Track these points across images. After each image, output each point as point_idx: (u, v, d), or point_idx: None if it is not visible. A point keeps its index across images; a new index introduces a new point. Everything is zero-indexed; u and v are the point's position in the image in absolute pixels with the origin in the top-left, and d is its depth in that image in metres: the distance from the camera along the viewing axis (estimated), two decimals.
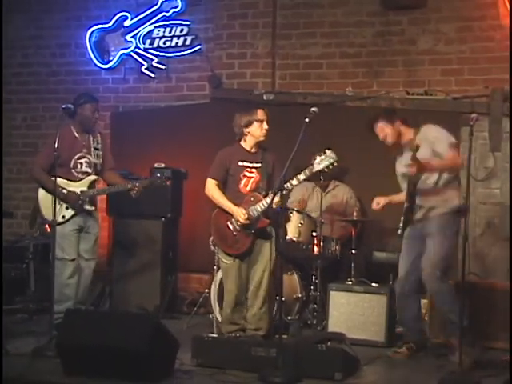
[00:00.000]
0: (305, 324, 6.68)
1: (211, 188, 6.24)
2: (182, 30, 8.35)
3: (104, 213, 7.96)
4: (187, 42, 8.34)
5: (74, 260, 6.31)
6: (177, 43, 8.37)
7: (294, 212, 6.88)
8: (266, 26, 8.10)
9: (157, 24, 8.44)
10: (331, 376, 5.08)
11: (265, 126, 6.16)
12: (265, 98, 7.86)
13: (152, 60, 8.48)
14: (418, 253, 5.81)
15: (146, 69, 8.50)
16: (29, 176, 6.80)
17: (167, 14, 8.39)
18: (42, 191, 6.34)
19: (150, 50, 8.48)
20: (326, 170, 5.97)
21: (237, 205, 6.12)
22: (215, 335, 6.18)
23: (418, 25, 7.64)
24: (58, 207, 6.04)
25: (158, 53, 8.46)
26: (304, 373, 5.10)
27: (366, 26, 7.82)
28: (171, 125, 8.26)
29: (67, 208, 6.27)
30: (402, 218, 5.77)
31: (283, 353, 5.06)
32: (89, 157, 6.43)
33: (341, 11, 7.90)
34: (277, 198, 5.69)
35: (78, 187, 6.33)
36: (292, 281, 6.72)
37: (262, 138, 6.20)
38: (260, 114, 6.17)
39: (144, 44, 8.49)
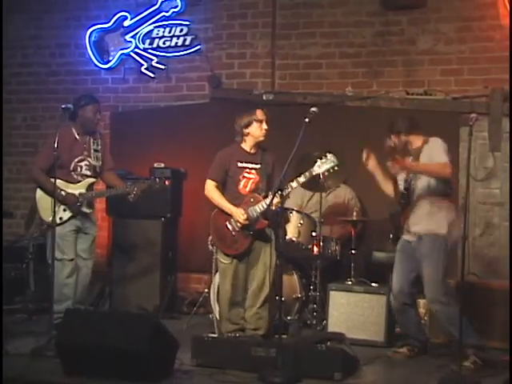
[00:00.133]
0: (304, 324, 6.68)
1: (210, 189, 6.24)
2: (181, 30, 8.35)
3: (104, 213, 7.98)
4: (187, 42, 8.33)
5: (72, 260, 6.30)
6: (176, 43, 8.37)
7: (294, 212, 6.88)
8: (266, 25, 8.10)
9: (156, 24, 8.44)
10: (331, 376, 5.08)
11: (264, 126, 6.17)
12: (264, 98, 7.86)
13: (152, 60, 8.48)
14: (412, 268, 5.80)
15: (145, 69, 8.49)
16: (28, 176, 6.79)
17: (167, 14, 8.39)
18: (40, 192, 6.33)
19: (149, 50, 8.48)
20: (326, 173, 5.98)
21: (236, 206, 6.12)
22: (215, 335, 6.18)
23: (418, 25, 7.64)
24: (55, 208, 6.04)
25: (157, 53, 8.46)
26: (304, 373, 5.11)
27: (365, 26, 7.82)
28: (171, 125, 8.26)
29: (65, 210, 6.26)
30: (392, 226, 5.81)
31: (283, 353, 5.06)
32: (89, 159, 6.42)
33: (340, 11, 7.90)
34: (276, 199, 5.69)
35: (76, 189, 6.32)
36: (292, 281, 6.72)
37: (261, 138, 6.21)
38: (259, 114, 6.17)
39: (144, 44, 8.49)
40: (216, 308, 6.67)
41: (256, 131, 6.18)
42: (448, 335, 5.85)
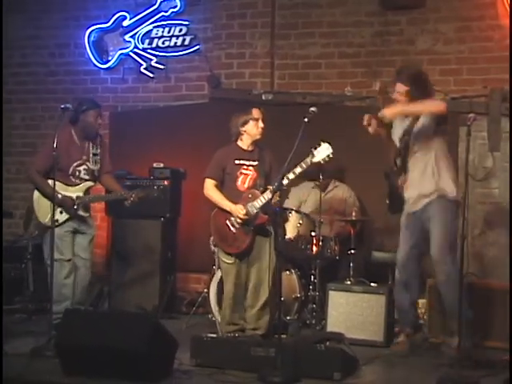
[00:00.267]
0: (304, 324, 6.68)
1: (209, 188, 6.26)
2: (180, 30, 8.35)
3: (103, 213, 7.98)
4: (186, 42, 8.34)
5: (69, 260, 6.29)
6: (176, 43, 8.37)
7: (293, 212, 6.89)
8: (265, 25, 8.10)
9: (156, 24, 8.44)
10: (330, 376, 5.07)
11: (260, 124, 6.20)
12: (264, 97, 7.87)
13: (151, 60, 8.48)
14: (418, 240, 5.84)
15: (144, 69, 8.49)
16: (26, 177, 6.78)
17: (166, 14, 8.39)
18: (37, 193, 6.33)
19: (148, 50, 8.48)
20: (322, 162, 6.00)
21: (235, 203, 6.14)
22: (214, 335, 6.18)
23: (417, 25, 7.64)
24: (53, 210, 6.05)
25: (156, 53, 8.46)
26: (303, 373, 5.10)
27: (364, 26, 7.82)
28: (170, 125, 8.26)
29: (61, 212, 6.23)
30: (389, 193, 5.84)
31: (282, 353, 5.06)
32: (88, 164, 6.40)
33: (339, 11, 7.90)
34: (271, 189, 5.81)
35: (73, 192, 6.31)
36: (291, 281, 6.71)
37: (258, 137, 6.23)
38: (255, 112, 6.21)
39: (143, 44, 8.49)
40: (215, 308, 6.67)
41: (252, 129, 6.21)
42: (448, 322, 5.84)
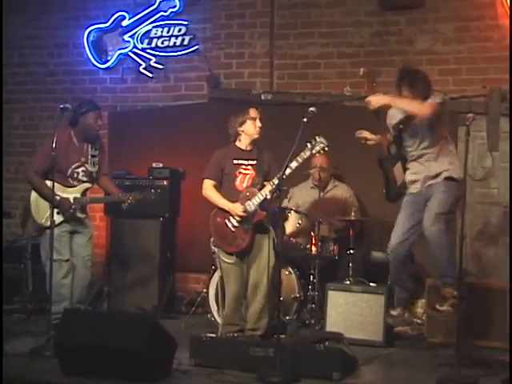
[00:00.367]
0: (303, 324, 6.68)
1: (208, 188, 6.26)
2: (179, 30, 8.35)
3: (102, 213, 7.97)
4: (185, 42, 8.33)
5: (67, 261, 6.28)
6: (175, 43, 8.37)
7: (292, 212, 6.90)
8: (264, 25, 8.10)
9: (155, 24, 8.43)
10: (329, 376, 5.08)
11: (258, 123, 6.20)
12: (263, 97, 7.87)
13: (150, 60, 8.47)
14: (416, 223, 5.85)
15: (143, 69, 8.49)
16: (24, 177, 6.77)
17: (165, 14, 8.39)
18: (34, 194, 6.31)
19: (147, 50, 8.48)
20: (317, 155, 6.01)
21: (233, 202, 6.14)
22: (213, 335, 6.18)
23: (416, 25, 7.64)
24: (48, 211, 6.04)
25: (155, 52, 8.46)
26: (302, 372, 5.11)
27: (363, 26, 7.82)
28: (169, 125, 8.26)
29: (58, 213, 6.19)
30: (385, 182, 5.86)
31: (281, 353, 5.07)
32: (86, 165, 6.38)
33: (338, 11, 7.90)
34: (271, 187, 5.91)
35: (71, 193, 6.30)
36: (290, 280, 6.72)
37: (256, 136, 6.23)
38: (252, 112, 6.22)
39: (142, 44, 8.49)
40: (214, 308, 6.67)
41: (250, 129, 6.21)
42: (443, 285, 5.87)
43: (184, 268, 8.03)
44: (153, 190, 6.63)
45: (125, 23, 8.52)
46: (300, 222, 6.86)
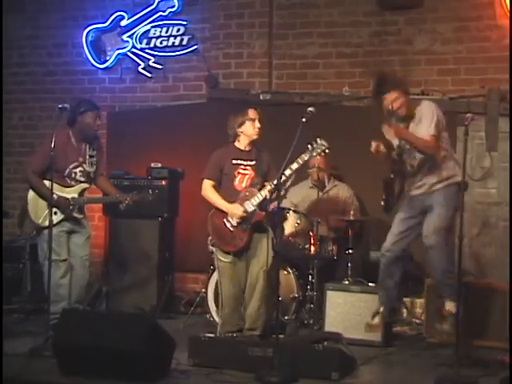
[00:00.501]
0: (301, 324, 6.68)
1: (207, 188, 6.26)
2: (178, 30, 8.35)
3: (101, 213, 7.97)
4: (184, 42, 8.34)
5: (65, 261, 6.28)
6: (173, 43, 8.37)
7: (291, 212, 6.90)
8: (263, 25, 8.10)
9: (153, 24, 8.44)
10: (328, 376, 5.08)
11: (257, 124, 6.20)
12: (261, 97, 7.87)
13: (149, 60, 8.47)
14: (412, 225, 5.86)
15: (142, 68, 8.49)
16: (22, 177, 6.77)
17: (164, 14, 8.39)
18: (32, 193, 6.31)
19: (146, 50, 8.48)
20: (318, 156, 6.01)
21: (232, 202, 6.14)
22: (212, 335, 6.18)
23: (415, 25, 7.65)
24: (46, 211, 6.04)
25: (154, 52, 8.46)
26: (301, 372, 5.10)
27: (362, 26, 7.82)
28: (168, 125, 8.25)
29: (55, 213, 6.19)
30: (384, 195, 5.84)
31: (280, 353, 5.06)
32: (84, 165, 6.38)
33: (337, 11, 7.90)
34: (270, 187, 5.92)
35: (69, 193, 6.29)
36: (289, 280, 6.71)
37: (255, 137, 6.23)
38: (251, 113, 6.21)
39: (141, 44, 8.49)
40: (213, 308, 6.67)
41: (249, 130, 6.21)
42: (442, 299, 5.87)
43: (183, 268, 8.03)
44: (150, 191, 6.62)
45: (123, 23, 8.52)
46: (299, 221, 6.86)
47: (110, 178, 7.23)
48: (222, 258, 6.23)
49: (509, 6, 7.18)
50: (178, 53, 8.38)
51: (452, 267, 5.60)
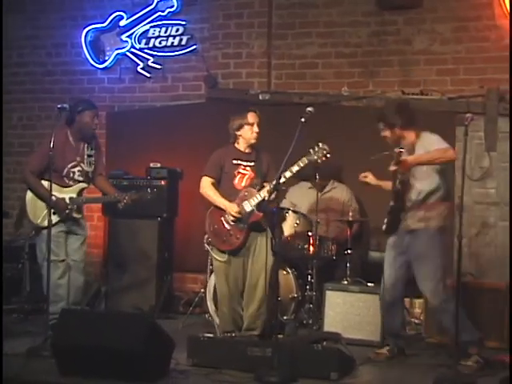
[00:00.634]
0: (300, 324, 6.67)
1: (206, 186, 6.27)
2: (177, 30, 8.35)
3: (100, 213, 7.97)
4: (183, 42, 8.34)
5: (63, 261, 6.28)
6: (172, 43, 8.37)
7: (290, 212, 6.90)
8: (262, 25, 8.10)
9: (152, 24, 8.44)
10: (327, 376, 5.08)
11: (255, 128, 6.21)
12: (260, 97, 7.87)
13: (148, 60, 8.48)
14: (405, 261, 5.73)
15: (141, 68, 8.49)
16: (21, 177, 6.76)
17: (163, 14, 8.39)
18: (30, 194, 6.31)
19: (145, 50, 8.48)
20: (319, 161, 6.00)
21: (231, 201, 6.15)
22: (211, 335, 6.18)
23: (414, 25, 7.65)
24: (44, 211, 6.04)
25: (153, 52, 8.46)
26: (300, 372, 5.10)
27: (361, 26, 7.82)
28: (167, 125, 8.25)
29: (54, 213, 6.17)
30: (387, 218, 5.78)
31: (279, 352, 5.06)
32: (82, 165, 6.38)
33: (336, 11, 7.91)
34: (269, 188, 5.91)
35: (67, 193, 6.29)
36: (288, 280, 6.71)
37: (252, 141, 6.25)
38: (250, 117, 6.22)
39: (139, 44, 8.49)
40: (212, 308, 6.67)
41: (247, 134, 6.23)
42: (448, 334, 5.80)
43: (182, 268, 8.03)
44: (149, 190, 6.61)
45: (122, 23, 8.52)
46: (298, 222, 6.86)
47: (110, 178, 7.23)
48: (217, 257, 6.24)
49: (508, 6, 7.19)
50: (176, 53, 8.38)
51: (464, 320, 5.38)
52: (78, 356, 5.00)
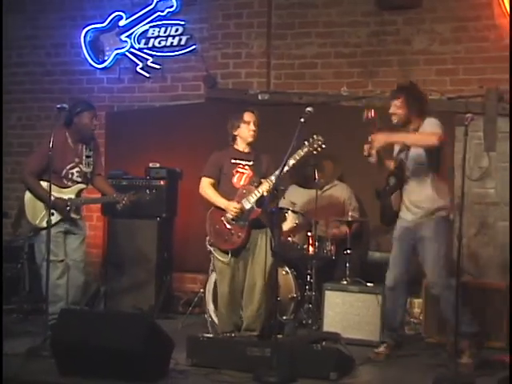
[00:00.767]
0: (300, 324, 6.67)
1: (205, 186, 6.28)
2: (177, 30, 8.35)
3: (99, 213, 7.97)
4: (182, 42, 8.33)
5: (62, 261, 6.28)
6: (172, 43, 8.37)
7: (289, 212, 6.90)
8: (261, 25, 8.10)
9: (152, 24, 8.43)
10: (326, 376, 5.08)
11: (251, 127, 6.23)
12: (260, 97, 7.87)
13: (147, 60, 8.47)
14: (410, 255, 5.77)
15: (140, 68, 8.49)
16: (19, 178, 6.76)
17: (162, 14, 8.39)
18: (28, 194, 6.30)
19: (144, 50, 8.48)
20: (314, 152, 6.01)
21: (230, 199, 6.16)
22: (210, 335, 6.18)
23: (413, 25, 7.65)
24: (43, 212, 6.04)
25: (152, 52, 8.46)
26: (299, 372, 5.10)
27: (360, 26, 7.82)
28: (166, 125, 8.25)
29: (53, 214, 6.16)
30: (380, 205, 5.81)
31: (278, 352, 5.06)
32: (80, 166, 6.37)
33: (335, 11, 7.90)
34: (267, 185, 5.95)
35: (66, 194, 6.28)
36: (287, 280, 6.71)
37: (250, 139, 6.26)
38: (246, 116, 6.24)
39: (139, 44, 8.48)
40: (211, 308, 6.67)
41: (244, 133, 6.26)
42: (447, 327, 5.81)
43: (181, 268, 8.03)
44: (148, 191, 6.62)
45: (122, 23, 8.52)
46: (297, 221, 6.86)
47: (109, 178, 7.23)
48: (220, 258, 6.24)
49: (507, 6, 7.19)
50: (176, 53, 8.38)
51: (463, 309, 5.39)
52: (77, 356, 5.00)
